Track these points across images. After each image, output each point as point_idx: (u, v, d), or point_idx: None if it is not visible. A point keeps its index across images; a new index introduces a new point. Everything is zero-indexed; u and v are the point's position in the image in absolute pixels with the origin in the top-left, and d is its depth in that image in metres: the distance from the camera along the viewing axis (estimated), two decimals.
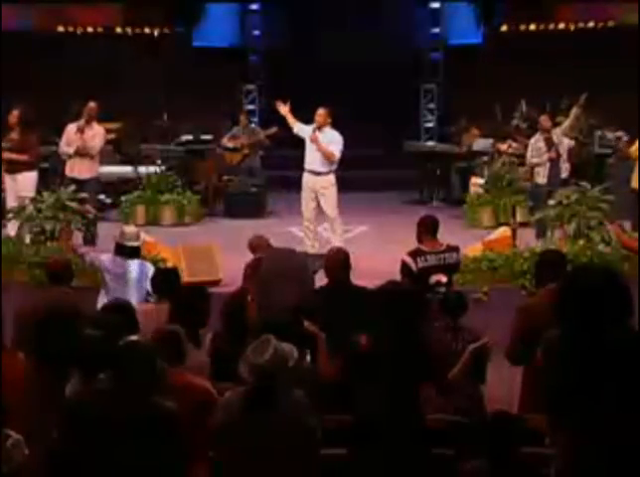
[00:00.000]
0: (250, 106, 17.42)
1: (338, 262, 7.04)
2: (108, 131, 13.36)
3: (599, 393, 3.83)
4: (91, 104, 11.88)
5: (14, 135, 11.48)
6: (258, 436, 4.64)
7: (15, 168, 11.42)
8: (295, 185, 11.68)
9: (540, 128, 12.12)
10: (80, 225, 10.74)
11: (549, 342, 4.06)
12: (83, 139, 11.69)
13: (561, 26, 17.45)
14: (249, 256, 8.24)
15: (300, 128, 11.33)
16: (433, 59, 17.55)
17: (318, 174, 11.12)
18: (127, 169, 14.61)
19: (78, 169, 11.74)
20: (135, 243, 8.11)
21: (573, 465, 3.89)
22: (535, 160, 12.01)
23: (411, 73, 17.33)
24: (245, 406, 4.67)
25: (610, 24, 17.13)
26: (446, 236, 8.05)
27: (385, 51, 17.16)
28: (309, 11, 17.72)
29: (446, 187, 15.41)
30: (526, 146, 12.64)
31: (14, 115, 11.48)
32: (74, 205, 10.62)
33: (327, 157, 11.06)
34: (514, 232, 10.67)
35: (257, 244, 8.33)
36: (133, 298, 7.38)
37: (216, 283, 9.57)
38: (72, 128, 11.78)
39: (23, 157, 11.41)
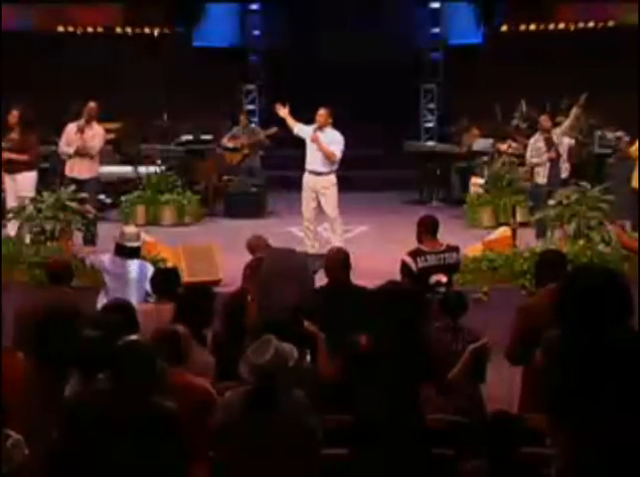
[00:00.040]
0: (250, 106, 17.43)
1: (338, 262, 7.04)
2: (108, 131, 13.36)
3: (599, 393, 3.82)
4: (91, 104, 11.88)
5: (14, 135, 11.48)
6: (259, 436, 4.64)
7: (15, 168, 11.42)
8: (295, 185, 11.68)
9: (540, 128, 12.12)
10: (80, 225, 10.75)
11: (549, 342, 4.06)
12: (83, 139, 11.68)
13: (561, 26, 17.45)
14: (249, 257, 8.24)
15: (301, 129, 11.33)
16: (433, 59, 17.56)
17: (319, 174, 11.12)
18: (127, 169, 14.62)
19: (77, 169, 11.73)
20: (135, 244, 8.10)
21: (574, 465, 3.89)
22: (534, 160, 12.01)
23: (411, 73, 17.33)
24: (246, 407, 4.67)
25: (610, 24, 17.14)
26: (446, 236, 8.05)
27: (385, 51, 17.16)
28: (309, 11, 17.72)
29: (446, 187, 15.42)
30: (526, 146, 12.64)
31: (14, 115, 11.48)
32: (74, 205, 10.62)
33: (328, 157, 11.06)
34: (514, 232, 10.67)
35: (256, 245, 8.33)
36: (133, 298, 7.37)
37: (216, 283, 9.56)
38: (71, 128, 11.78)
39: (23, 157, 11.41)
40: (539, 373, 4.30)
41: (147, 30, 17.80)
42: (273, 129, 14.71)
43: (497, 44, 16.91)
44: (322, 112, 11.09)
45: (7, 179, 11.51)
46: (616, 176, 12.76)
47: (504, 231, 10.91)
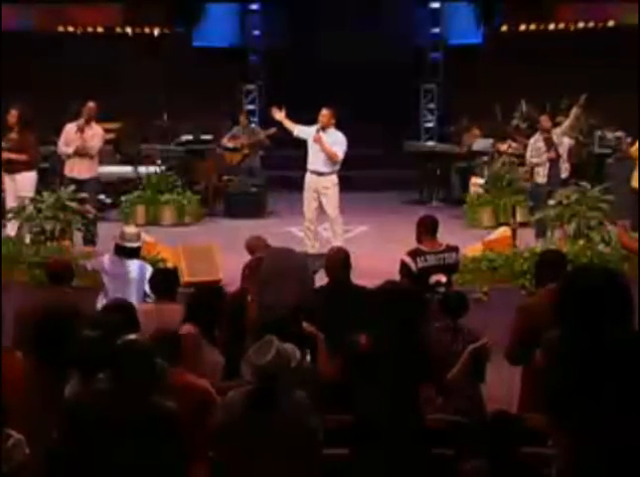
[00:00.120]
0: (250, 106, 17.43)
1: (338, 262, 7.04)
2: (108, 131, 13.37)
3: (599, 393, 3.82)
4: (91, 104, 11.87)
5: (13, 135, 11.47)
6: (260, 437, 4.64)
7: (14, 168, 11.41)
8: (295, 185, 11.68)
9: (540, 128, 12.11)
10: (80, 225, 10.74)
11: (549, 342, 4.06)
12: (83, 139, 11.67)
13: (561, 26, 17.45)
14: (249, 257, 8.23)
15: (300, 130, 11.30)
16: (433, 59, 17.56)
17: (321, 174, 11.11)
18: (127, 169, 14.62)
19: (77, 169, 11.72)
20: (135, 245, 8.09)
21: (574, 465, 3.89)
22: (534, 160, 12.01)
23: (411, 73, 17.33)
24: (247, 407, 4.67)
25: (610, 24, 17.14)
26: (446, 236, 8.05)
27: (385, 51, 17.17)
28: (309, 11, 17.72)
29: (446, 187, 15.42)
30: (526, 146, 12.63)
31: (13, 115, 11.46)
32: (74, 205, 10.62)
33: (330, 158, 11.04)
34: (514, 232, 10.67)
35: (255, 245, 8.32)
36: (133, 298, 7.36)
37: (216, 283, 9.55)
38: (71, 128, 11.77)
39: (22, 157, 11.40)
40: (538, 373, 4.30)
41: (147, 30, 17.81)
42: (273, 129, 14.69)
43: (497, 44, 16.91)
44: (325, 113, 11.07)
45: (7, 179, 11.50)
46: (616, 176, 12.76)
47: (504, 231, 10.91)
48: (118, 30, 17.68)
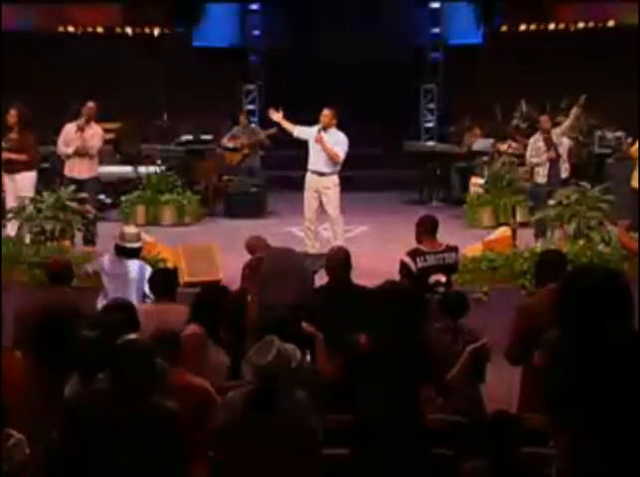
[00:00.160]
0: (250, 106, 17.43)
1: (339, 261, 7.04)
2: (108, 131, 13.36)
3: (599, 393, 3.82)
4: (90, 104, 11.86)
5: (13, 135, 11.46)
6: (260, 437, 4.64)
7: (14, 168, 11.40)
8: (296, 185, 11.67)
9: (540, 128, 12.11)
10: (80, 225, 10.74)
11: (549, 342, 4.05)
12: (83, 138, 11.66)
13: (561, 26, 17.47)
14: (249, 257, 8.24)
15: (301, 131, 11.28)
16: (433, 59, 17.57)
17: (322, 174, 11.10)
18: (127, 169, 14.62)
19: (77, 169, 11.72)
20: (135, 245, 8.09)
21: (574, 465, 3.89)
22: (534, 160, 12.01)
23: (411, 73, 17.34)
24: (248, 407, 4.67)
25: (610, 24, 17.15)
26: (446, 236, 8.05)
27: (385, 51, 17.18)
28: (309, 11, 17.73)
29: (446, 187, 15.42)
30: (526, 146, 12.63)
31: (12, 115, 11.45)
32: (74, 205, 10.61)
33: (332, 158, 11.03)
34: (514, 232, 10.67)
35: (255, 245, 8.33)
36: (133, 298, 7.36)
37: (217, 283, 9.56)
38: (70, 128, 11.76)
39: (22, 157, 11.39)
40: (538, 373, 4.30)
41: (147, 30, 17.81)
42: (273, 129, 14.69)
43: (497, 44, 16.92)
44: (326, 113, 11.05)
45: (6, 179, 11.50)
46: (616, 176, 12.76)
47: (504, 231, 10.90)
48: (118, 30, 17.69)
